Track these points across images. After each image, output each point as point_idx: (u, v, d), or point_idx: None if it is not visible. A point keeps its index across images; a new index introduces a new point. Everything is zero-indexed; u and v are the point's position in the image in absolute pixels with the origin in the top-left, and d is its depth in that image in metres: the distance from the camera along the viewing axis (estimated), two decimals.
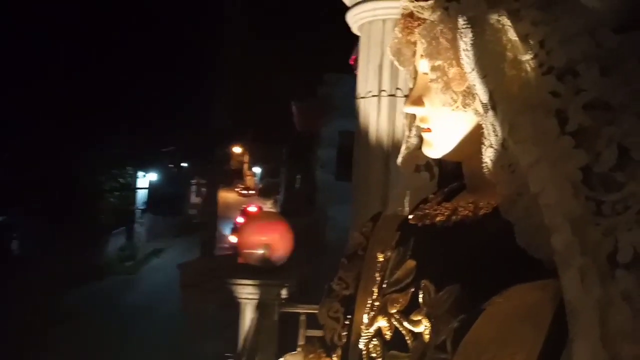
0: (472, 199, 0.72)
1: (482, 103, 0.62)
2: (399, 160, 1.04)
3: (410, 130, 1.00)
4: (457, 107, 0.68)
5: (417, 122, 0.79)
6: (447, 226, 0.72)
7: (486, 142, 0.62)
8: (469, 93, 0.66)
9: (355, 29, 2.58)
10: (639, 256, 0.48)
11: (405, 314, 0.68)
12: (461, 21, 0.63)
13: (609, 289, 0.48)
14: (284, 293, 3.03)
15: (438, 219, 0.74)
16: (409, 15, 0.74)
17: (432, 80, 0.69)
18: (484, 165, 0.63)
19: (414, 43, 0.83)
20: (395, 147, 2.39)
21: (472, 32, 0.62)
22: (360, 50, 2.52)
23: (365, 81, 2.45)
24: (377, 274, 0.85)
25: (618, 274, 0.48)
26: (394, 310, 0.71)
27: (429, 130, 0.75)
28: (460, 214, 0.71)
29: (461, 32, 0.63)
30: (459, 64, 0.65)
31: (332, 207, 9.54)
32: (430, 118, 0.74)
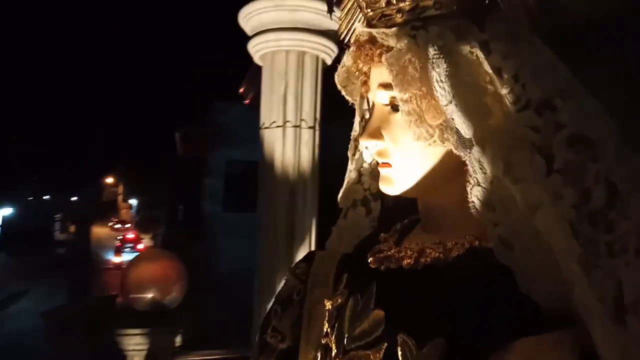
0: (437, 238, 0.67)
1: (465, 138, 0.58)
2: (339, 195, 0.97)
3: (351, 163, 0.94)
4: (435, 141, 0.62)
5: (374, 156, 0.72)
6: (416, 270, 0.65)
7: (472, 180, 0.58)
8: (446, 127, 0.61)
9: (256, 59, 2.50)
10: None
11: None
12: (432, 51, 0.59)
13: (623, 337, 0.45)
14: (178, 340, 2.74)
15: (405, 262, 0.67)
16: (369, 42, 0.68)
17: (405, 113, 0.64)
18: (470, 205, 0.58)
19: (365, 73, 0.77)
20: (301, 178, 2.33)
21: (445, 62, 0.58)
22: (263, 81, 2.44)
23: (269, 111, 2.37)
24: (325, 324, 0.76)
25: (628, 320, 0.45)
26: None
27: (388, 165, 0.69)
28: (429, 257, 0.65)
29: (433, 63, 0.59)
30: (432, 96, 0.61)
31: (220, 240, 9.19)
32: (391, 152, 0.68)
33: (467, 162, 0.58)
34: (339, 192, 0.94)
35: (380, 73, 0.68)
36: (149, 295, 2.78)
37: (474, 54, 0.58)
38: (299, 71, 2.35)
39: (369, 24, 0.69)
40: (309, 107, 2.35)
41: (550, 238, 0.50)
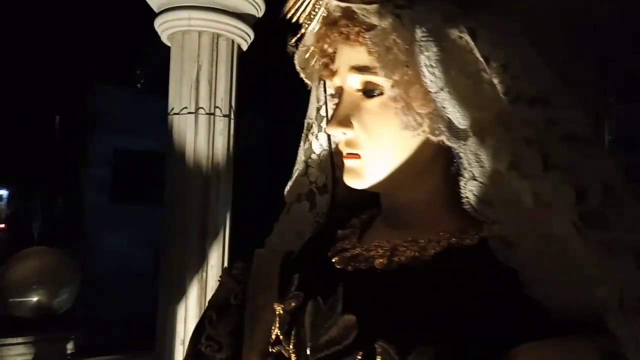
0: (407, 235, 0.63)
1: (459, 129, 0.54)
2: (286, 189, 0.90)
3: (301, 154, 0.87)
4: (424, 131, 0.58)
5: (342, 146, 0.66)
6: (390, 271, 0.60)
7: (466, 174, 0.54)
8: (437, 116, 0.56)
9: (164, 38, 2.30)
10: None
11: None
12: (419, 33, 0.55)
13: (633, 337, 0.44)
14: (70, 347, 2.47)
15: (378, 262, 0.62)
16: (345, 18, 0.62)
17: (391, 100, 0.58)
18: (464, 200, 0.55)
19: (329, 55, 0.71)
20: (215, 170, 2.20)
21: (436, 46, 0.54)
22: (172, 62, 2.26)
23: (179, 97, 2.20)
24: (275, 330, 0.68)
25: (630, 321, 0.45)
26: None
27: (357, 156, 0.64)
28: (403, 255, 0.61)
29: (421, 46, 0.54)
30: (419, 82, 0.56)
31: (105, 234, 8.51)
32: (361, 142, 0.63)
33: (462, 154, 0.54)
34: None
35: (353, 55, 0.62)
36: (33, 299, 2.46)
37: (463, 39, 0.55)
38: (212, 54, 2.20)
39: None
40: (224, 94, 2.22)
41: (563, 236, 0.48)
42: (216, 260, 2.19)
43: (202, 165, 2.16)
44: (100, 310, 4.80)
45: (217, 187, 2.20)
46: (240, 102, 2.34)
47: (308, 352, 0.60)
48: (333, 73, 0.69)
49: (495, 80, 0.53)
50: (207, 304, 0.83)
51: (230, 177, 2.25)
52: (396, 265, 0.60)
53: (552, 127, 0.52)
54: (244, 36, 2.27)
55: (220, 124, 2.21)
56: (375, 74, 0.60)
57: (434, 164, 0.63)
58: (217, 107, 2.20)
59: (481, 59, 0.54)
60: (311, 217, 0.87)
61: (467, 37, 0.54)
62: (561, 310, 0.48)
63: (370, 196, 0.71)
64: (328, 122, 0.66)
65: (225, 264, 2.24)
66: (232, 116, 2.26)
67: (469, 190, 0.54)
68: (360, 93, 0.62)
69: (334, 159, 0.81)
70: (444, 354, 0.49)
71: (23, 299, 2.43)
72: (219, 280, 0.83)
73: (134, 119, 8.50)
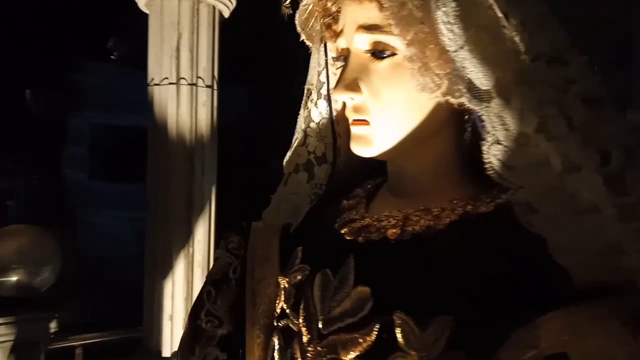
0: (418, 204, 0.61)
1: (481, 90, 0.50)
2: (285, 159, 0.86)
3: (305, 122, 0.83)
4: (442, 93, 0.54)
5: (349, 113, 0.62)
6: (404, 240, 0.58)
7: (489, 138, 0.51)
8: (457, 76, 0.53)
9: (142, 5, 2.19)
10: None
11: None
12: None
13: None
14: (53, 326, 2.41)
15: (390, 232, 0.60)
16: None
17: (407, 60, 0.54)
18: (488, 165, 0.51)
19: (331, 14, 0.67)
20: (199, 143, 2.13)
21: (454, 1, 0.50)
22: (151, 31, 2.15)
23: (159, 66, 2.11)
24: (280, 304, 0.66)
25: None
26: (351, 356, 0.54)
27: (366, 123, 0.60)
28: (417, 225, 0.59)
29: (437, 1, 0.50)
30: (436, 40, 0.52)
31: (85, 211, 8.37)
32: (370, 107, 0.59)
33: (485, 117, 0.51)
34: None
35: (361, 12, 0.58)
36: (14, 278, 2.39)
37: None
38: (193, 21, 2.10)
39: None
40: (206, 63, 2.13)
41: (593, 200, 0.46)
42: (203, 235, 2.14)
43: (186, 138, 2.09)
44: (87, 288, 4.75)
45: (202, 160, 2.14)
46: (223, 74, 2.26)
47: (320, 325, 0.58)
48: (337, 34, 0.65)
49: (516, 39, 0.50)
50: (204, 279, 0.81)
51: (214, 150, 2.19)
52: (409, 235, 0.58)
53: (571, 87, 0.50)
54: (226, 2, 2.18)
55: (203, 95, 2.13)
56: (385, 32, 0.56)
57: (444, 129, 0.61)
58: (200, 77, 2.12)
59: (501, 15, 0.50)
60: (309, 189, 0.84)
61: None
62: (587, 276, 0.46)
63: (371, 166, 0.69)
64: (335, 86, 0.62)
65: (212, 239, 2.20)
66: (215, 87, 2.19)
67: (493, 154, 0.51)
68: (369, 54, 0.59)
69: (335, 128, 0.77)
70: (466, 323, 0.48)
71: (2, 279, 2.36)
72: (215, 256, 0.81)
73: (112, 93, 8.28)
